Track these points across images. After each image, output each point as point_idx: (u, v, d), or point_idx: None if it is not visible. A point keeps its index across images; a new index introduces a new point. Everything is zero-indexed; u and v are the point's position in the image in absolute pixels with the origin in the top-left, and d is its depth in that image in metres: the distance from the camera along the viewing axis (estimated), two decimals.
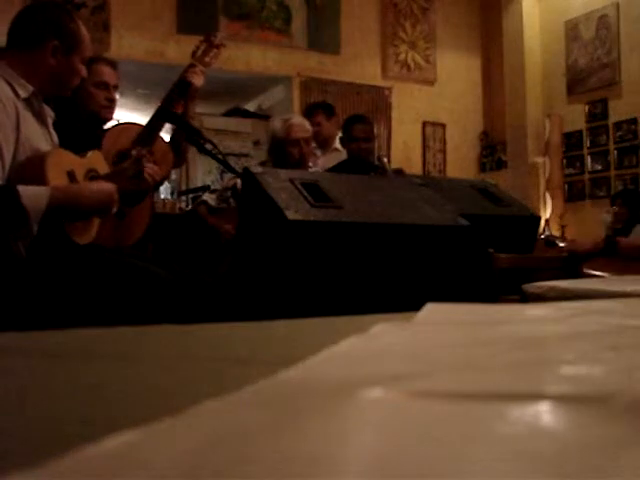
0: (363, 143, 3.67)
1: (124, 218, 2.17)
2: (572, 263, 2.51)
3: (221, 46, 2.57)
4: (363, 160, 3.57)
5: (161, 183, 2.76)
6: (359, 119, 3.92)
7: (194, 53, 2.53)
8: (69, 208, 1.81)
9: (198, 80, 2.48)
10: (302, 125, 3.28)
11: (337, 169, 3.51)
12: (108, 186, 1.88)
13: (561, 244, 3.54)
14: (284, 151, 3.16)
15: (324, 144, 3.97)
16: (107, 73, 2.46)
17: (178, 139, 2.54)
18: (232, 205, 3.09)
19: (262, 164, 3.29)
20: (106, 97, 2.42)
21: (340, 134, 4.03)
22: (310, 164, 3.37)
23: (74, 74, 1.98)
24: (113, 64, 2.53)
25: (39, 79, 1.89)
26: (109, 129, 2.34)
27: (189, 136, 2.40)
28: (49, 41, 1.91)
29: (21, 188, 1.68)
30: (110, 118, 2.46)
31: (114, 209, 1.91)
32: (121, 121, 2.65)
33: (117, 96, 2.53)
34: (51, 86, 1.94)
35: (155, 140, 2.30)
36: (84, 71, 2.01)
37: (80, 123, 2.35)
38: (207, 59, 2.53)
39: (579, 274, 2.54)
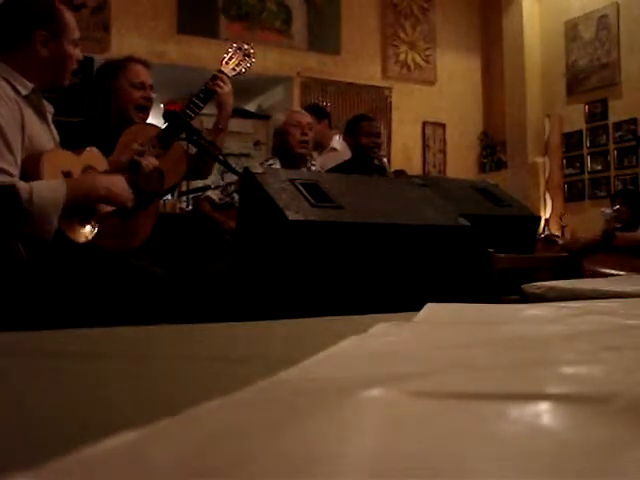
0: (375, 138, 3.69)
1: (129, 219, 2.16)
2: (572, 262, 2.51)
3: (252, 55, 2.55)
4: (370, 158, 3.57)
5: (170, 190, 2.74)
6: (366, 117, 3.96)
7: (223, 61, 2.51)
8: (85, 199, 1.84)
9: (222, 89, 2.45)
10: (302, 112, 3.41)
11: (340, 169, 3.51)
12: (119, 178, 1.92)
13: (560, 241, 3.56)
14: (285, 135, 3.18)
15: (317, 145, 4.00)
16: (143, 73, 2.43)
17: (203, 153, 2.51)
18: (236, 200, 3.08)
19: (266, 161, 3.30)
20: (143, 96, 2.40)
21: (337, 135, 4.06)
22: (312, 163, 3.38)
23: (67, 59, 1.93)
24: (146, 64, 2.50)
25: (36, 74, 1.86)
26: (127, 128, 2.31)
27: (189, 136, 2.39)
28: (35, 32, 1.86)
29: (37, 183, 1.71)
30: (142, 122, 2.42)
31: (129, 201, 1.93)
32: None
33: (154, 95, 2.49)
34: (49, 78, 1.91)
35: (171, 146, 2.27)
36: (79, 54, 1.96)
37: (110, 125, 2.33)
38: (237, 68, 2.51)
39: (580, 273, 2.54)
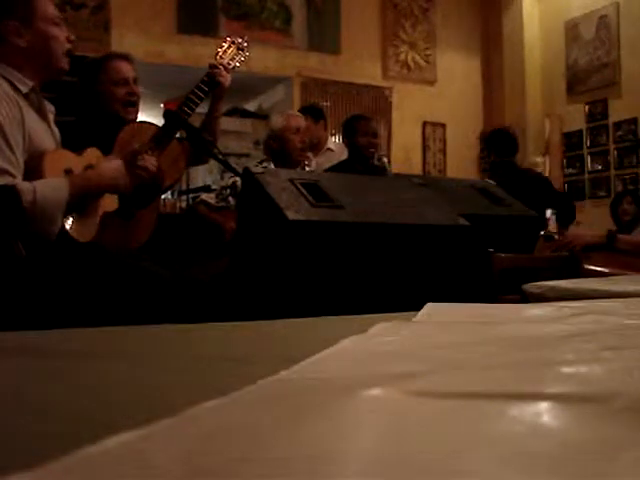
0: (373, 138, 3.69)
1: (131, 219, 2.16)
2: (572, 262, 2.50)
3: (246, 49, 2.53)
4: (367, 158, 3.57)
5: (169, 188, 2.73)
6: (362, 117, 3.97)
7: (217, 55, 2.49)
8: (88, 193, 1.85)
9: (225, 78, 2.44)
10: (299, 116, 3.40)
11: (338, 169, 3.51)
12: (117, 162, 1.92)
13: (557, 236, 3.56)
14: (285, 141, 3.18)
15: (313, 147, 4.01)
16: (124, 68, 2.39)
17: (203, 152, 2.49)
18: (231, 204, 3.08)
19: (260, 163, 3.29)
20: (127, 92, 2.35)
21: (333, 136, 4.08)
22: (306, 162, 3.38)
23: (51, 41, 1.84)
24: (128, 58, 2.46)
25: (27, 67, 1.81)
26: (124, 127, 2.29)
27: (189, 135, 2.38)
28: (5, 26, 1.79)
29: (40, 183, 1.71)
30: (132, 119, 2.39)
31: (126, 185, 1.93)
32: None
33: (141, 89, 2.45)
34: (40, 68, 1.84)
35: (168, 145, 2.25)
36: (66, 33, 1.89)
37: (102, 125, 2.32)
38: (232, 62, 2.49)
39: (580, 273, 2.53)
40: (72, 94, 2.40)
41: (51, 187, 1.72)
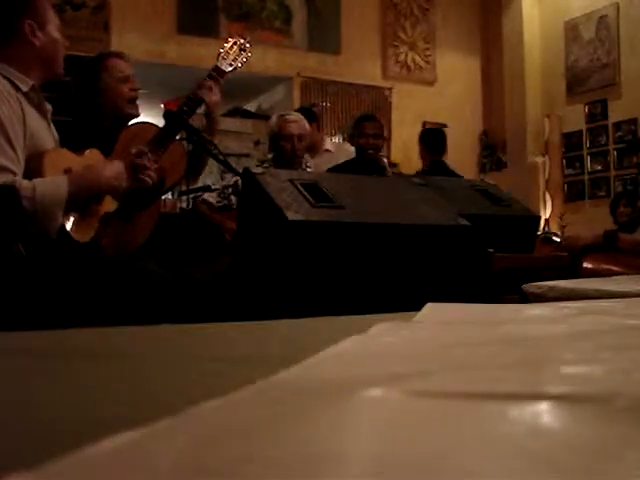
0: (372, 139, 3.71)
1: (130, 221, 2.15)
2: (572, 262, 2.50)
3: (249, 49, 2.52)
4: (370, 159, 3.59)
5: (170, 189, 2.73)
6: (369, 117, 3.99)
7: (220, 55, 2.48)
8: (88, 193, 1.86)
9: (210, 96, 2.41)
10: (296, 121, 3.35)
11: (341, 169, 3.53)
12: (118, 164, 1.94)
13: (556, 238, 3.55)
14: (278, 145, 3.21)
15: (309, 149, 4.01)
16: (124, 66, 2.41)
17: (203, 152, 2.49)
18: (233, 203, 3.09)
19: (262, 163, 3.31)
20: (131, 88, 2.37)
21: (331, 137, 4.09)
22: (303, 166, 3.38)
23: (57, 45, 1.94)
24: (123, 56, 2.49)
25: (33, 66, 1.86)
26: (125, 128, 2.29)
27: (189, 136, 2.38)
28: (22, 23, 1.86)
29: (40, 180, 1.72)
30: (137, 114, 2.39)
31: (123, 185, 1.94)
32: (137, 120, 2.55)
33: (138, 85, 2.45)
34: (45, 68, 1.91)
35: (169, 146, 2.25)
36: (63, 40, 1.97)
37: (102, 125, 2.31)
38: (234, 63, 2.48)
39: (579, 272, 2.53)
40: (69, 94, 2.40)
41: (50, 184, 1.73)
